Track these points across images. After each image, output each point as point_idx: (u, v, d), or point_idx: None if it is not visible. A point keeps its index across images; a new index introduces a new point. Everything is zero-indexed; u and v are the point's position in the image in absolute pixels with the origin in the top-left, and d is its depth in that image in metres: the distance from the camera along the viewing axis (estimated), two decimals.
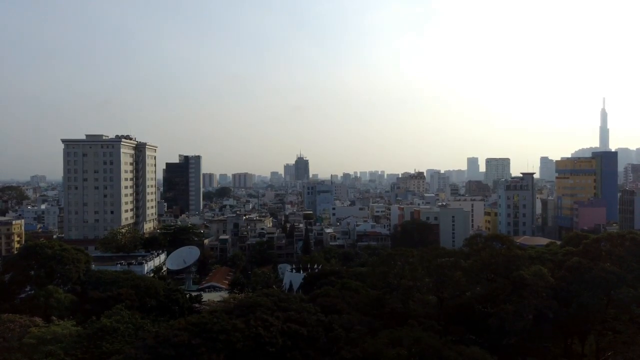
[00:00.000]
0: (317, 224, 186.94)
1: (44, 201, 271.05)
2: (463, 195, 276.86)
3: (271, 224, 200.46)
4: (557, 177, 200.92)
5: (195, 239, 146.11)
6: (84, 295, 67.53)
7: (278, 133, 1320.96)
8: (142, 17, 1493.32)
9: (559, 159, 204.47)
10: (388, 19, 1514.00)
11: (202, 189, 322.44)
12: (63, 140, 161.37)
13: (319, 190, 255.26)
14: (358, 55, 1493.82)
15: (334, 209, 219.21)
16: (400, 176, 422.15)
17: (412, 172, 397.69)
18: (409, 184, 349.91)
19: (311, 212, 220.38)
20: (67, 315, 57.41)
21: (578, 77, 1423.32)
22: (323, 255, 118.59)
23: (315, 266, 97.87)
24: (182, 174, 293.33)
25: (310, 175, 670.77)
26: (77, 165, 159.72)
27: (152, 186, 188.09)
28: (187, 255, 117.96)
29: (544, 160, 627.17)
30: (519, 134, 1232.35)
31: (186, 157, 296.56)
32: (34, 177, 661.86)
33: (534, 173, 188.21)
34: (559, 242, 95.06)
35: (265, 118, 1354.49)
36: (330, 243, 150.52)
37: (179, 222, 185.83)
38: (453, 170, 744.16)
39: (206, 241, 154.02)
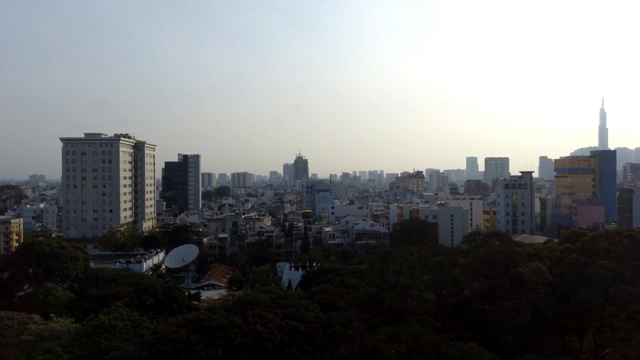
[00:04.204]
0: (316, 222, 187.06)
1: (42, 200, 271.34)
2: (462, 194, 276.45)
3: (270, 222, 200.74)
4: (555, 176, 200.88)
5: (194, 237, 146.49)
6: (83, 292, 67.50)
7: (277, 132, 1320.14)
8: (142, 16, 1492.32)
9: (558, 158, 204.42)
10: (387, 18, 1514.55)
11: (201, 188, 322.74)
12: (62, 139, 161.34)
13: (318, 189, 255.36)
14: (357, 55, 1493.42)
15: (333, 208, 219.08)
16: (399, 175, 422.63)
17: (411, 171, 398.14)
18: (408, 183, 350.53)
19: (310, 211, 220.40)
20: (65, 312, 57.54)
21: (577, 77, 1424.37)
22: (322, 253, 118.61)
23: (314, 264, 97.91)
24: (181, 173, 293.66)
25: (310, 175, 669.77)
26: (76, 164, 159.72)
27: (151, 185, 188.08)
28: (186, 253, 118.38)
29: (543, 160, 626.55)
30: (518, 133, 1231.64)
31: (185, 156, 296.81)
32: (32, 176, 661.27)
33: (532, 172, 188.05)
34: (557, 240, 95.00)
35: (265, 117, 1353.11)
36: (329, 242, 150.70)
37: (178, 221, 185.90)
38: (452, 170, 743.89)
39: (205, 240, 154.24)
